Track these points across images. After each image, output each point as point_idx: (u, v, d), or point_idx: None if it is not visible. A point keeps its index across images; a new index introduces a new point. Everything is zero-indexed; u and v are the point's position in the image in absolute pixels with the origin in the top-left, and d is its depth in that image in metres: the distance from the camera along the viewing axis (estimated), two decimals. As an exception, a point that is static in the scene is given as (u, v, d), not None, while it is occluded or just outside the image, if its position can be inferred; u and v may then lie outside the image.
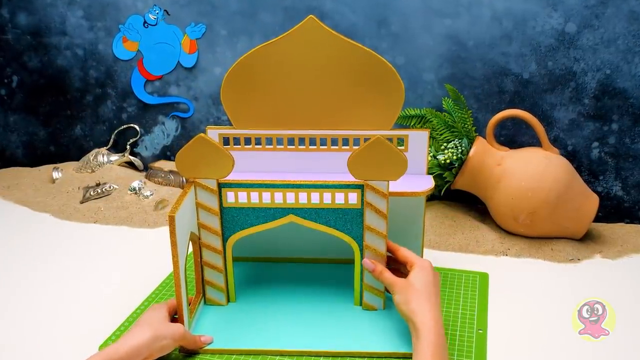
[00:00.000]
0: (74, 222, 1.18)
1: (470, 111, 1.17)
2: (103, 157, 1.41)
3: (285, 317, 0.80)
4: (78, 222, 1.18)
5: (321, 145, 0.93)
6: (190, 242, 0.76)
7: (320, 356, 0.73)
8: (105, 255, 1.03)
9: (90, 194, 1.28)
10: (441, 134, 1.15)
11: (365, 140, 0.85)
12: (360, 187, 0.75)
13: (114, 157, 1.41)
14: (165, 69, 1.37)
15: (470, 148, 1.10)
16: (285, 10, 1.25)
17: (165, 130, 1.42)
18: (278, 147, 0.93)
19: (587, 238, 1.07)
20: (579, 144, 1.18)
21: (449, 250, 1.04)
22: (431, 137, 1.16)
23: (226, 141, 0.94)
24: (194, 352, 0.73)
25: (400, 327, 0.77)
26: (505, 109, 1.13)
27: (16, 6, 1.40)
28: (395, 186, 0.78)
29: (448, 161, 1.10)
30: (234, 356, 0.73)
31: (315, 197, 0.77)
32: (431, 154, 1.13)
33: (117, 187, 1.29)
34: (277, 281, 0.90)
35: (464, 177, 1.10)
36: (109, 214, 1.20)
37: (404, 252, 0.76)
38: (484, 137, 1.13)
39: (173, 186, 1.32)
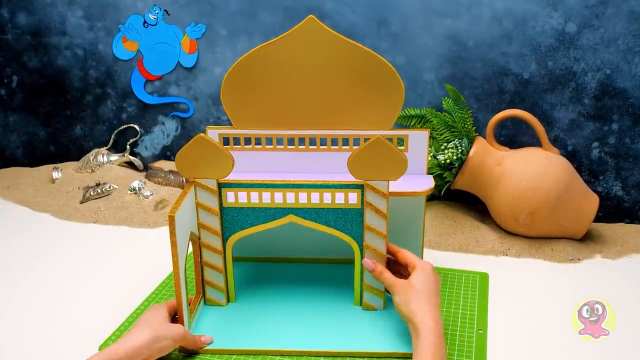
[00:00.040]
0: (73, 222, 1.18)
1: (471, 111, 1.17)
2: (103, 157, 1.41)
3: (285, 317, 0.80)
4: (78, 222, 1.18)
5: (321, 145, 0.93)
6: (190, 242, 0.76)
7: (320, 356, 0.73)
8: (105, 255, 1.03)
9: (90, 194, 1.28)
10: (441, 134, 1.15)
11: (365, 140, 0.85)
12: (360, 187, 0.75)
13: (114, 157, 1.41)
14: (165, 69, 1.37)
15: (470, 148, 1.10)
16: (285, 10, 1.25)
17: (165, 130, 1.42)
18: (278, 147, 0.93)
19: (587, 238, 1.07)
20: (579, 144, 1.18)
21: (449, 250, 1.04)
22: (431, 137, 1.16)
23: (226, 141, 0.93)
24: (194, 352, 0.73)
25: (400, 327, 0.77)
26: (505, 109, 1.13)
27: (16, 6, 1.40)
28: (395, 186, 0.78)
29: (448, 161, 1.10)
30: (234, 356, 0.73)
31: (315, 197, 0.77)
32: (431, 154, 1.13)
33: (117, 187, 1.29)
34: (277, 281, 0.90)
35: (464, 177, 1.10)
36: (109, 214, 1.20)
37: (405, 254, 0.76)
38: (484, 137, 1.12)
39: (173, 186, 1.32)
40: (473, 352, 0.74)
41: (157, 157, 1.44)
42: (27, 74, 1.45)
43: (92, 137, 1.47)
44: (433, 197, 1.23)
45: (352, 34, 1.22)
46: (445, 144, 1.13)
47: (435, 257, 1.00)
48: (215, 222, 0.78)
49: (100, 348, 0.75)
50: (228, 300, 0.83)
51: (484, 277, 0.94)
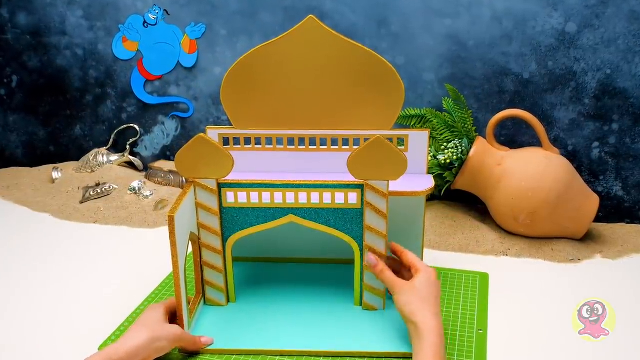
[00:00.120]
0: (73, 222, 1.18)
1: (471, 111, 1.17)
2: (103, 157, 1.41)
3: (285, 317, 0.80)
4: (78, 222, 1.18)
5: (321, 145, 0.93)
6: (190, 242, 0.76)
7: (320, 356, 0.73)
8: (105, 255, 1.03)
9: (90, 194, 1.28)
10: (441, 134, 1.15)
11: (366, 140, 0.85)
12: (360, 187, 0.75)
13: (114, 157, 1.41)
14: (165, 69, 1.36)
15: (471, 148, 1.10)
16: (285, 10, 1.25)
17: (165, 130, 1.42)
18: (278, 147, 0.93)
19: (587, 238, 1.07)
20: (579, 143, 1.18)
21: (449, 251, 1.04)
22: (431, 137, 1.16)
23: (226, 141, 0.93)
24: (194, 353, 0.73)
25: (400, 327, 0.77)
26: (505, 108, 1.13)
27: (16, 6, 1.40)
28: (395, 186, 0.78)
29: (448, 161, 1.10)
30: (234, 356, 0.73)
31: (315, 197, 0.77)
32: (431, 154, 1.13)
33: (116, 187, 1.29)
34: (277, 281, 0.90)
35: (464, 177, 1.10)
36: (109, 214, 1.20)
37: (410, 257, 0.76)
38: (484, 137, 1.12)
39: (173, 186, 1.32)
40: (473, 352, 0.74)
41: (157, 157, 1.44)
42: (27, 74, 1.45)
43: (91, 137, 1.47)
44: (433, 197, 1.23)
45: (352, 34, 1.22)
46: (445, 144, 1.13)
47: (435, 257, 1.00)
48: (215, 222, 0.78)
49: (100, 348, 0.75)
50: (228, 301, 0.83)
51: (484, 277, 0.94)
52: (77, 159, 1.45)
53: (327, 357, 0.73)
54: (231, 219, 0.79)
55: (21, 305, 0.86)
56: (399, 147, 0.90)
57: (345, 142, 0.93)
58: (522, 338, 0.77)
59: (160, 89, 1.39)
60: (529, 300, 0.87)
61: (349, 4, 1.21)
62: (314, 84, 0.88)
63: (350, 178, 0.75)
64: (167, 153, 1.43)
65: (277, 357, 0.73)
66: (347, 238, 0.78)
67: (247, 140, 0.94)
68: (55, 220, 1.19)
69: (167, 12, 1.33)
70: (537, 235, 1.07)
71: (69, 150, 1.49)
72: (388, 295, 0.81)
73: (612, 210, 1.19)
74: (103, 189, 1.28)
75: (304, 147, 0.93)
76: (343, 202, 0.77)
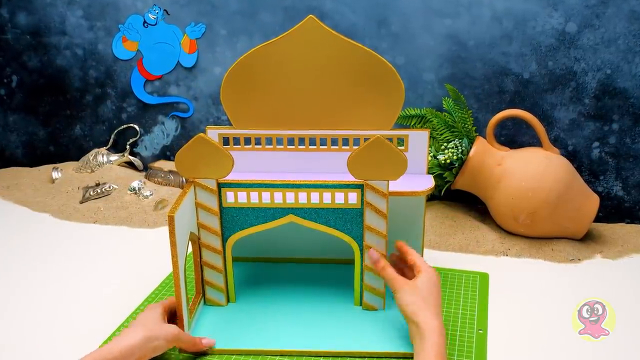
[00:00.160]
0: (73, 222, 1.18)
1: (471, 111, 1.17)
2: (103, 157, 1.41)
3: (285, 317, 0.80)
4: (78, 222, 1.18)
5: (321, 145, 0.93)
6: (190, 242, 0.76)
7: (320, 356, 0.73)
8: (105, 255, 1.03)
9: (89, 194, 1.27)
10: (441, 134, 1.15)
11: (366, 140, 0.85)
12: (360, 187, 0.75)
13: (114, 157, 1.41)
14: (165, 69, 1.36)
15: (471, 148, 1.10)
16: (285, 10, 1.25)
17: (165, 130, 1.42)
18: (278, 147, 0.93)
19: (587, 238, 1.07)
20: (579, 143, 1.18)
21: (449, 251, 1.04)
22: (431, 137, 1.16)
23: (226, 141, 0.93)
24: (195, 354, 0.73)
25: (400, 327, 0.77)
26: (505, 108, 1.13)
27: (16, 6, 1.40)
28: (395, 186, 0.78)
29: (448, 161, 1.10)
30: (234, 356, 0.73)
31: (315, 197, 0.77)
32: (431, 154, 1.13)
33: (116, 187, 1.29)
34: (277, 281, 0.90)
35: (464, 177, 1.10)
36: (109, 214, 1.20)
37: (414, 257, 0.75)
38: (484, 137, 1.12)
39: (173, 186, 1.32)
40: (473, 352, 0.74)
41: (157, 157, 1.44)
42: (26, 74, 1.45)
43: (91, 137, 1.47)
44: (433, 197, 1.23)
45: (352, 34, 1.22)
46: (445, 144, 1.13)
47: (435, 257, 1.00)
48: (214, 222, 0.78)
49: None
50: (228, 301, 0.83)
51: (484, 277, 0.94)
52: (77, 159, 1.45)
53: (327, 357, 0.73)
54: (231, 219, 0.79)
55: (21, 305, 0.86)
56: (399, 147, 0.90)
57: (345, 142, 0.93)
58: (522, 338, 0.77)
59: (160, 89, 1.39)
60: (529, 300, 0.87)
61: (349, 4, 1.21)
62: (314, 84, 0.88)
63: (350, 178, 0.75)
64: (167, 153, 1.43)
65: (277, 357, 0.73)
66: (347, 238, 0.78)
67: (247, 140, 0.94)
68: (55, 220, 1.19)
69: (167, 12, 1.33)
70: (537, 235, 1.06)
71: (68, 150, 1.49)
72: (388, 296, 0.81)
73: (612, 210, 1.19)
74: (103, 189, 1.28)
75: (304, 147, 0.93)
76: (343, 202, 0.76)
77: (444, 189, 1.14)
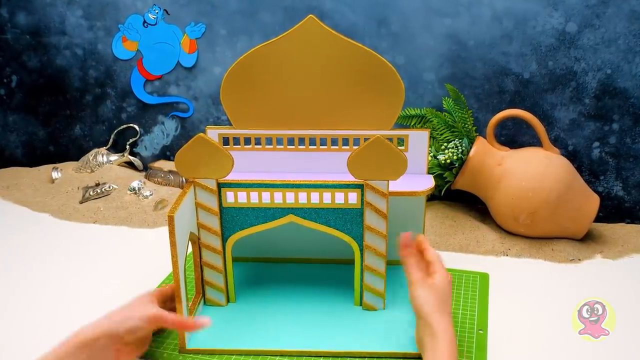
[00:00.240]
0: (73, 222, 1.18)
1: (471, 111, 1.17)
2: (102, 157, 1.41)
3: (285, 317, 0.80)
4: (77, 222, 1.18)
5: (321, 145, 0.93)
6: (190, 242, 0.76)
7: (320, 356, 0.73)
8: (105, 255, 1.03)
9: (89, 194, 1.27)
10: (441, 134, 1.15)
11: (366, 140, 0.85)
12: (360, 187, 0.75)
13: (114, 157, 1.41)
14: (165, 69, 1.36)
15: (471, 148, 1.10)
16: (285, 10, 1.25)
17: (165, 130, 1.42)
18: (278, 147, 0.93)
19: (587, 238, 1.07)
20: (579, 143, 1.18)
21: (449, 251, 1.04)
22: (431, 137, 1.16)
23: (226, 141, 0.93)
24: (195, 353, 0.73)
25: (400, 327, 0.77)
26: (505, 108, 1.13)
27: (15, 6, 1.40)
28: (395, 186, 0.78)
29: (448, 161, 1.10)
30: (234, 356, 0.73)
31: (315, 197, 0.77)
32: (431, 154, 1.13)
33: (116, 187, 1.29)
34: (277, 281, 0.90)
35: (465, 177, 1.10)
36: (109, 214, 1.20)
37: (433, 255, 0.73)
38: (485, 137, 1.12)
39: (173, 186, 1.31)
40: (473, 352, 0.73)
41: (157, 157, 1.44)
42: (26, 74, 1.45)
43: (91, 137, 1.47)
44: (433, 197, 1.23)
45: (352, 33, 1.21)
46: (445, 144, 1.13)
47: (436, 257, 1.00)
48: (214, 222, 0.78)
49: None
50: (228, 301, 0.83)
51: (484, 277, 0.94)
52: (77, 159, 1.45)
53: (327, 357, 0.72)
54: (231, 219, 0.78)
55: (21, 305, 0.86)
56: (399, 147, 0.90)
57: (345, 142, 0.93)
58: (522, 338, 0.77)
59: (160, 89, 1.39)
60: (529, 300, 0.87)
61: (349, 4, 1.21)
62: (313, 84, 0.88)
63: (350, 178, 0.74)
64: (167, 153, 1.43)
65: (277, 357, 0.73)
66: (347, 238, 0.78)
67: (247, 140, 0.94)
68: (55, 220, 1.19)
69: (167, 12, 1.32)
70: (538, 235, 1.06)
71: (68, 150, 1.49)
72: (388, 296, 0.81)
73: (612, 210, 1.19)
74: (103, 189, 1.28)
75: (304, 147, 0.93)
76: (343, 202, 0.76)
77: (444, 189, 1.14)
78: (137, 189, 1.27)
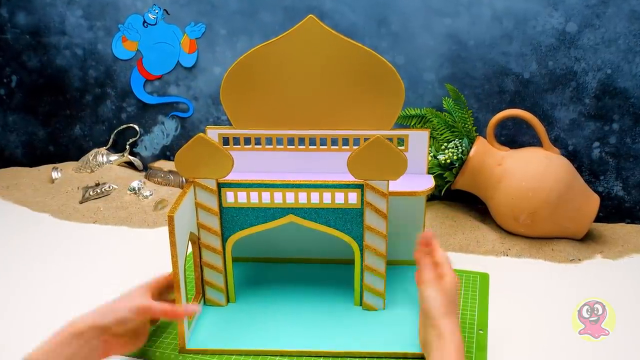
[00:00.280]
0: (73, 222, 1.18)
1: (471, 111, 1.17)
2: (102, 157, 1.40)
3: (285, 317, 0.80)
4: (77, 222, 1.18)
5: (321, 145, 0.93)
6: (190, 243, 0.76)
7: (320, 356, 0.73)
8: (104, 255, 1.03)
9: (89, 194, 1.27)
10: (441, 134, 1.15)
11: (366, 140, 0.85)
12: (360, 187, 0.75)
13: (114, 157, 1.41)
14: (165, 69, 1.36)
15: (471, 148, 1.10)
16: (285, 9, 1.25)
17: (165, 130, 1.42)
18: (278, 147, 0.93)
19: (587, 238, 1.07)
20: (579, 143, 1.18)
21: (449, 251, 1.04)
22: (431, 137, 1.16)
23: (226, 141, 0.93)
24: (196, 352, 0.73)
25: (400, 327, 0.77)
26: (505, 108, 1.13)
27: (15, 5, 1.40)
28: (395, 186, 0.78)
29: (448, 161, 1.10)
30: (234, 356, 0.73)
31: (315, 197, 0.77)
32: (431, 154, 1.13)
33: (116, 187, 1.29)
34: (277, 281, 0.90)
35: (465, 177, 1.10)
36: (109, 214, 1.20)
37: (442, 256, 0.73)
38: (485, 137, 1.12)
39: (173, 186, 1.31)
40: (473, 352, 0.73)
41: (157, 157, 1.44)
42: (26, 74, 1.45)
43: (91, 137, 1.47)
44: (433, 197, 1.23)
45: (352, 33, 1.21)
46: (445, 144, 1.13)
47: (436, 257, 1.00)
48: (214, 222, 0.78)
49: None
50: (228, 301, 0.83)
51: (484, 278, 0.93)
52: (77, 159, 1.45)
53: (327, 357, 0.72)
54: (231, 219, 0.78)
55: (21, 305, 0.86)
56: (399, 147, 0.90)
57: (345, 142, 0.93)
58: (522, 338, 0.77)
59: (160, 89, 1.38)
60: (529, 300, 0.87)
61: (349, 4, 1.21)
62: (313, 84, 0.88)
63: (350, 178, 0.74)
64: (167, 153, 1.43)
65: (277, 357, 0.73)
66: (347, 238, 0.78)
67: (247, 140, 0.94)
68: (55, 220, 1.19)
69: (166, 12, 1.32)
70: (538, 235, 1.06)
71: (68, 150, 1.49)
72: (388, 296, 0.81)
73: (612, 210, 1.19)
74: (103, 189, 1.28)
75: (304, 147, 0.93)
76: (343, 202, 0.76)
77: (444, 189, 1.14)
78: (137, 189, 1.27)
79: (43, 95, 1.46)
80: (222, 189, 0.77)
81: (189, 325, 0.75)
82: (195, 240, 0.78)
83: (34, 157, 1.52)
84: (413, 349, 0.72)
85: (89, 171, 1.38)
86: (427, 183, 0.87)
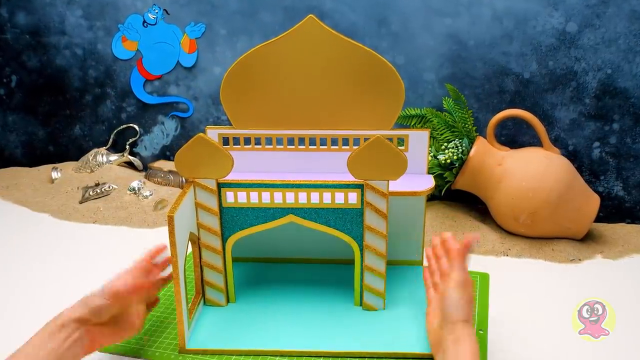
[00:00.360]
0: (73, 222, 1.18)
1: (471, 111, 1.17)
2: (102, 157, 1.40)
3: (285, 318, 0.80)
4: (77, 222, 1.18)
5: (321, 145, 0.93)
6: (190, 243, 0.76)
7: (320, 356, 0.73)
8: (104, 255, 1.03)
9: (89, 194, 1.27)
10: (442, 134, 1.15)
11: (366, 140, 0.85)
12: (360, 187, 0.75)
13: (113, 157, 1.41)
14: (165, 69, 1.36)
15: (471, 148, 1.10)
16: (285, 9, 1.25)
17: (165, 130, 1.41)
18: (278, 147, 0.93)
19: (588, 238, 1.07)
20: (579, 143, 1.18)
21: (449, 251, 1.04)
22: (432, 137, 1.16)
23: (226, 141, 0.93)
24: (196, 352, 0.73)
25: (400, 327, 0.77)
26: (505, 108, 1.13)
27: (15, 5, 1.40)
28: (395, 186, 0.78)
29: (448, 161, 1.10)
30: (234, 356, 0.73)
31: (315, 197, 0.76)
32: (432, 154, 1.13)
33: (116, 187, 1.29)
34: (277, 281, 0.90)
35: (465, 177, 1.10)
36: (108, 214, 1.20)
37: (458, 255, 0.72)
38: (485, 137, 1.12)
39: (172, 186, 1.31)
40: (473, 352, 0.73)
41: (157, 157, 1.44)
42: (26, 74, 1.45)
43: (91, 137, 1.47)
44: (433, 197, 1.23)
45: (352, 33, 1.21)
46: (445, 144, 1.13)
47: (436, 257, 1.00)
48: (214, 222, 0.78)
49: (100, 348, 0.74)
50: (228, 301, 0.83)
51: (484, 278, 0.93)
52: (77, 159, 1.45)
53: (327, 357, 0.72)
54: (231, 219, 0.78)
55: (21, 305, 0.86)
56: (399, 147, 0.90)
57: (345, 142, 0.92)
58: (522, 338, 0.77)
59: (160, 89, 1.38)
60: (529, 301, 0.87)
61: (349, 4, 1.21)
62: (313, 84, 0.88)
63: (350, 178, 0.74)
64: (167, 153, 1.43)
65: (277, 357, 0.73)
66: (347, 238, 0.78)
67: (247, 140, 0.94)
68: (55, 220, 1.18)
69: (166, 12, 1.32)
70: (538, 235, 1.06)
71: (68, 150, 1.49)
72: (388, 296, 0.81)
73: (612, 210, 1.19)
74: (102, 189, 1.28)
75: (304, 147, 0.93)
76: (343, 202, 0.76)
77: (444, 189, 1.14)
78: (137, 189, 1.27)
79: (43, 95, 1.46)
80: (222, 189, 0.77)
81: (189, 325, 0.75)
82: (195, 240, 0.78)
83: (34, 157, 1.52)
84: (413, 349, 0.72)
85: (89, 171, 1.38)
86: (427, 183, 0.87)
